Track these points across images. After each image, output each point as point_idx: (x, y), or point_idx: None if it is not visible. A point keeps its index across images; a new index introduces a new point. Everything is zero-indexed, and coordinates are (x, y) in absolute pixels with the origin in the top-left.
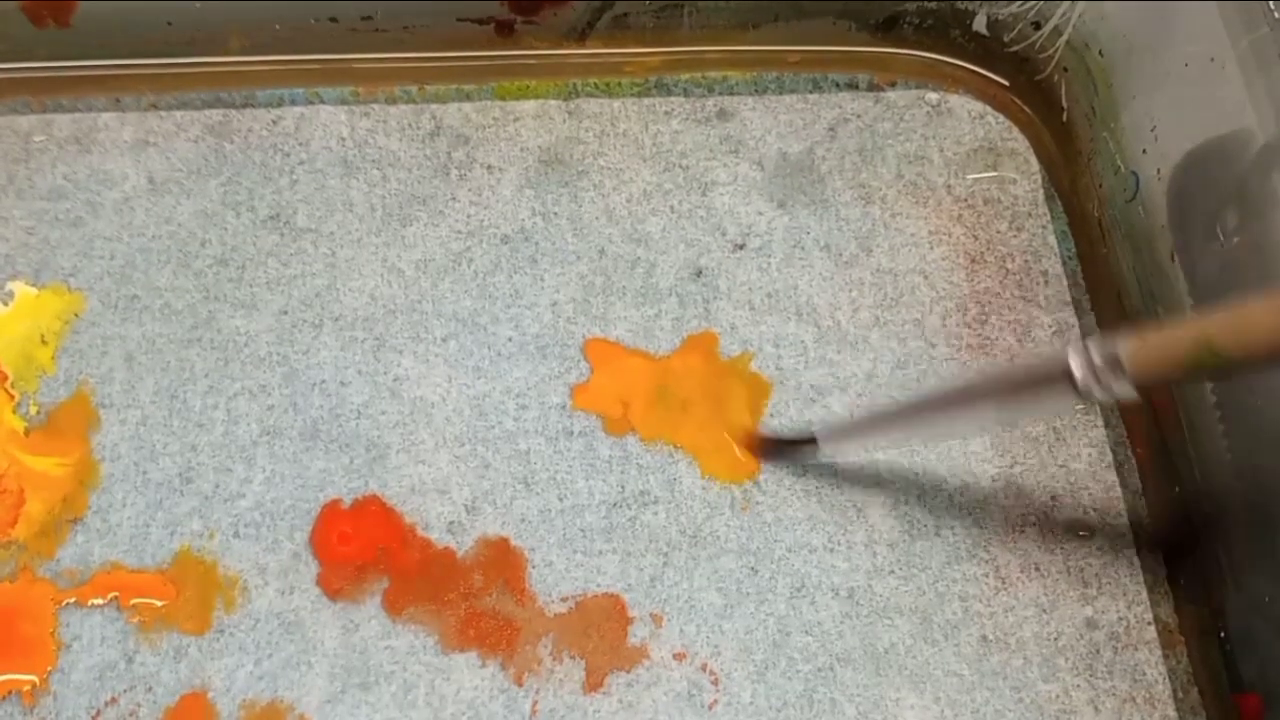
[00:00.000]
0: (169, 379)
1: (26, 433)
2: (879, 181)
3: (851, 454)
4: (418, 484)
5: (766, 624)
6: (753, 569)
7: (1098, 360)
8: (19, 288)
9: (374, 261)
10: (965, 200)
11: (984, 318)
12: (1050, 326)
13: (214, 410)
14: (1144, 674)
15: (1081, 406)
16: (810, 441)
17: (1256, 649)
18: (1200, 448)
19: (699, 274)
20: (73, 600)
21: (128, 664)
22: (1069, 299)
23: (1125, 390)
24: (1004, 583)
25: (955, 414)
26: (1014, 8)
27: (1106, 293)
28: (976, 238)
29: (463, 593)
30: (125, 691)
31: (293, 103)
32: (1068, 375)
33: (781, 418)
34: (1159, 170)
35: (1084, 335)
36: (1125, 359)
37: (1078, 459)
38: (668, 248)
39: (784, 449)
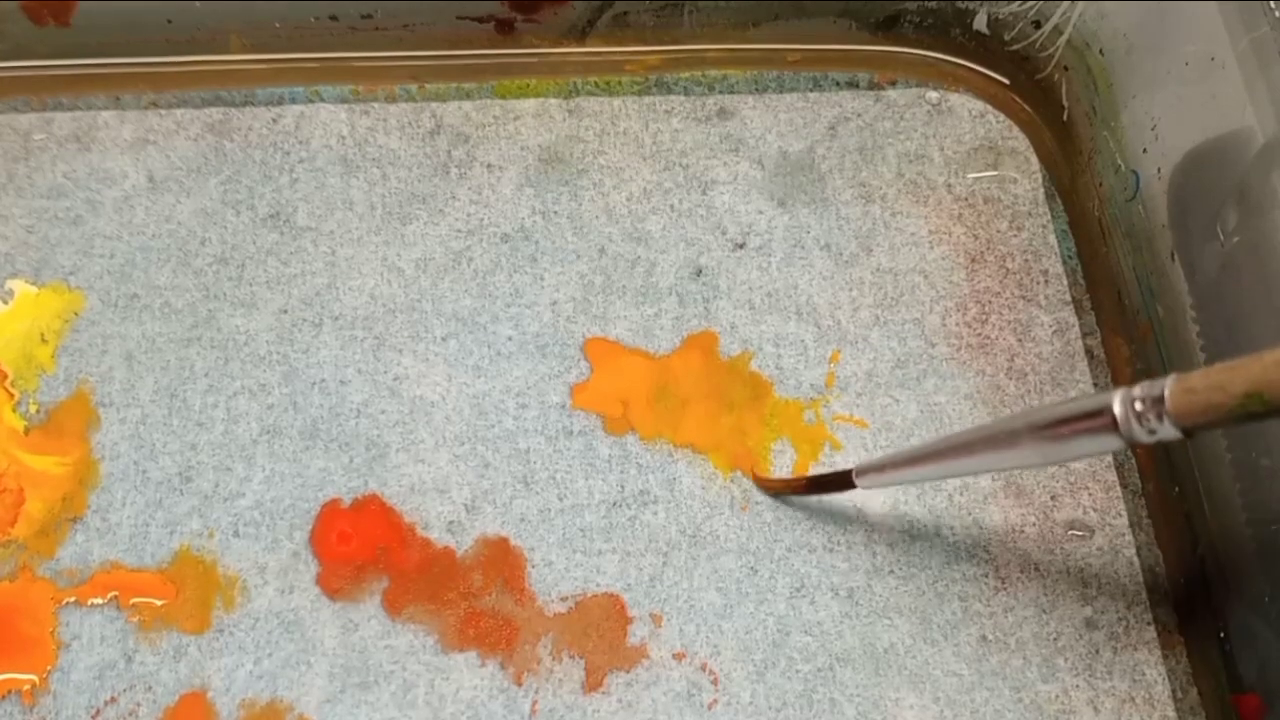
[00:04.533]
0: (169, 378)
1: (26, 431)
2: (879, 180)
3: (886, 488)
4: (417, 483)
5: (766, 624)
6: (752, 569)
7: (1141, 405)
8: (19, 286)
9: (374, 260)
10: (965, 199)
11: (984, 317)
12: (1050, 325)
13: (214, 409)
14: (1143, 674)
15: (1123, 448)
16: (846, 479)
17: (1256, 649)
18: (1200, 447)
19: (699, 273)
20: (72, 599)
21: (127, 663)
22: (1069, 298)
23: (1169, 434)
24: (1003, 583)
25: (995, 454)
26: (1014, 7)
27: (1107, 292)
28: (977, 237)
29: (462, 592)
30: (125, 691)
31: (293, 101)
32: (1111, 418)
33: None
34: (1159, 169)
35: (1129, 380)
36: (1170, 405)
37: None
38: (668, 247)
39: (820, 487)
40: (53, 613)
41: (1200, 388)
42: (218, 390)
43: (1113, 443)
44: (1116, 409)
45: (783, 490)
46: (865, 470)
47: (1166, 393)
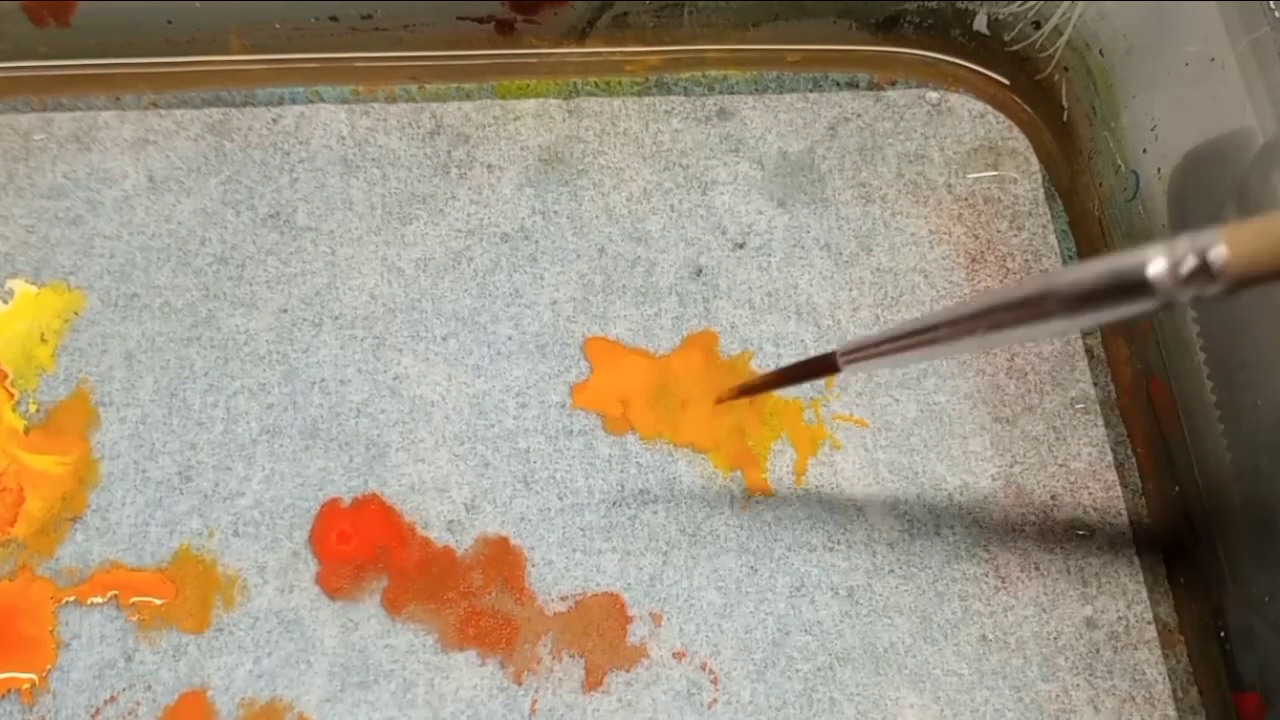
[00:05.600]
0: (169, 377)
1: (26, 431)
2: (879, 180)
3: (877, 371)
4: (417, 483)
5: (766, 623)
6: (752, 568)
7: (1188, 258)
8: (19, 286)
9: (374, 260)
10: (965, 199)
11: None
12: None
13: (213, 409)
14: (1144, 673)
15: (1158, 310)
16: (829, 363)
17: (1256, 649)
18: (1200, 448)
19: (699, 273)
20: (72, 598)
21: (127, 662)
22: None
23: (1216, 291)
24: (1004, 582)
25: (1010, 327)
26: (1014, 7)
27: None
28: (977, 237)
29: (462, 591)
30: (124, 690)
31: (293, 101)
32: (1148, 277)
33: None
34: (1159, 169)
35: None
36: (1220, 254)
37: (1078, 459)
38: (668, 246)
39: (797, 375)
40: (52, 612)
41: (1255, 229)
42: (217, 390)
43: (1148, 305)
44: (1160, 265)
45: (756, 390)
46: (851, 350)
47: (1215, 242)
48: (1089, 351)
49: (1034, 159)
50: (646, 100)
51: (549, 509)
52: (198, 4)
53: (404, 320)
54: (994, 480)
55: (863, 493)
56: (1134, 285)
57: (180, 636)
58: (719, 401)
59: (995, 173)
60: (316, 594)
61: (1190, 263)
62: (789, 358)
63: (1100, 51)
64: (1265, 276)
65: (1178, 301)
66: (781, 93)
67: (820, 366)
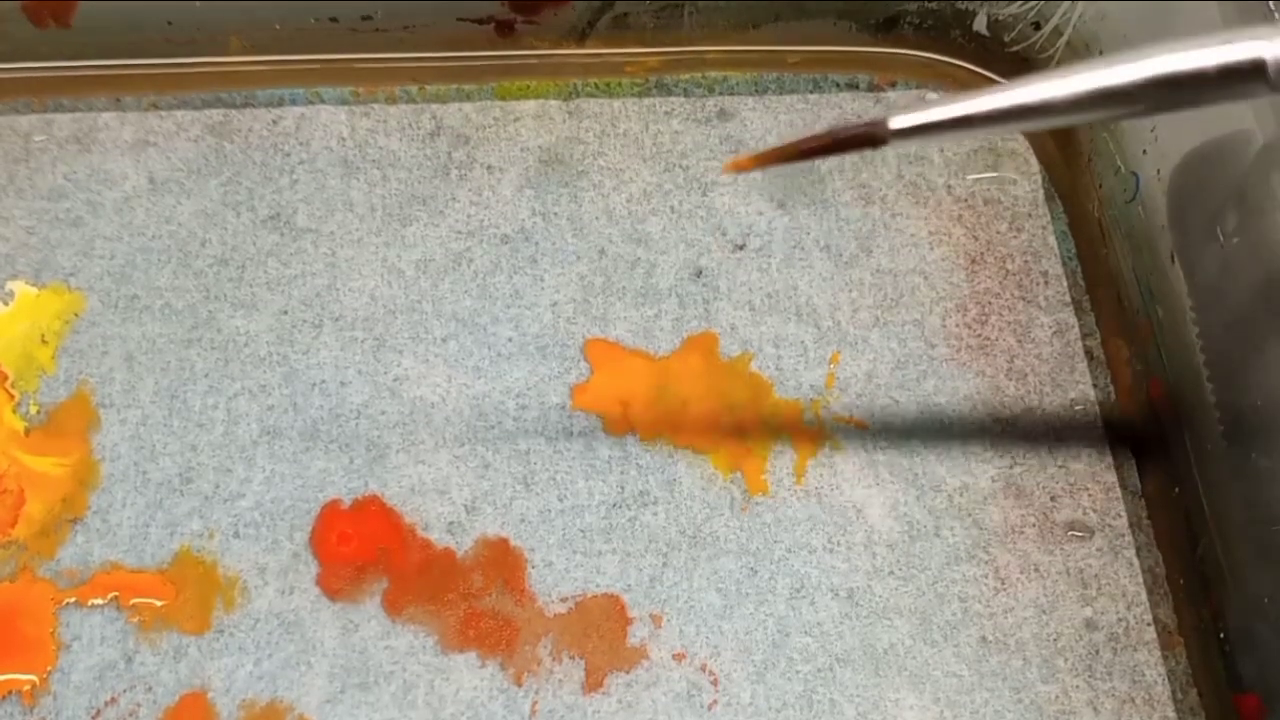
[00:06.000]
0: (169, 379)
1: (27, 432)
2: (879, 182)
3: (929, 146)
4: (417, 484)
5: (766, 624)
6: (752, 569)
7: None
8: (19, 287)
9: (374, 261)
10: (965, 201)
11: (984, 318)
12: (1050, 327)
13: (214, 410)
14: (1143, 675)
15: (1266, 96)
16: (877, 133)
17: (1256, 649)
18: (1200, 448)
19: (699, 274)
20: (72, 600)
21: (127, 664)
22: (1069, 299)
23: None
24: (1003, 583)
25: (1097, 106)
26: (1014, 8)
27: (1106, 293)
28: (976, 238)
29: (462, 593)
30: (125, 691)
31: (293, 103)
32: (1262, 61)
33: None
34: (1159, 171)
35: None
36: None
37: (1078, 459)
38: (668, 248)
39: (834, 145)
40: (53, 613)
41: None
42: (218, 391)
43: (1258, 87)
44: (1273, 49)
45: (780, 159)
46: (905, 118)
47: None
48: (1089, 353)
49: (1034, 160)
50: (646, 101)
51: (549, 510)
52: (198, 5)
53: (404, 322)
54: (994, 481)
55: (862, 494)
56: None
57: (181, 638)
58: (734, 167)
59: (995, 174)
60: (317, 595)
61: None
62: (789, 359)
63: (1100, 52)
64: None
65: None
66: (781, 94)
67: (863, 138)
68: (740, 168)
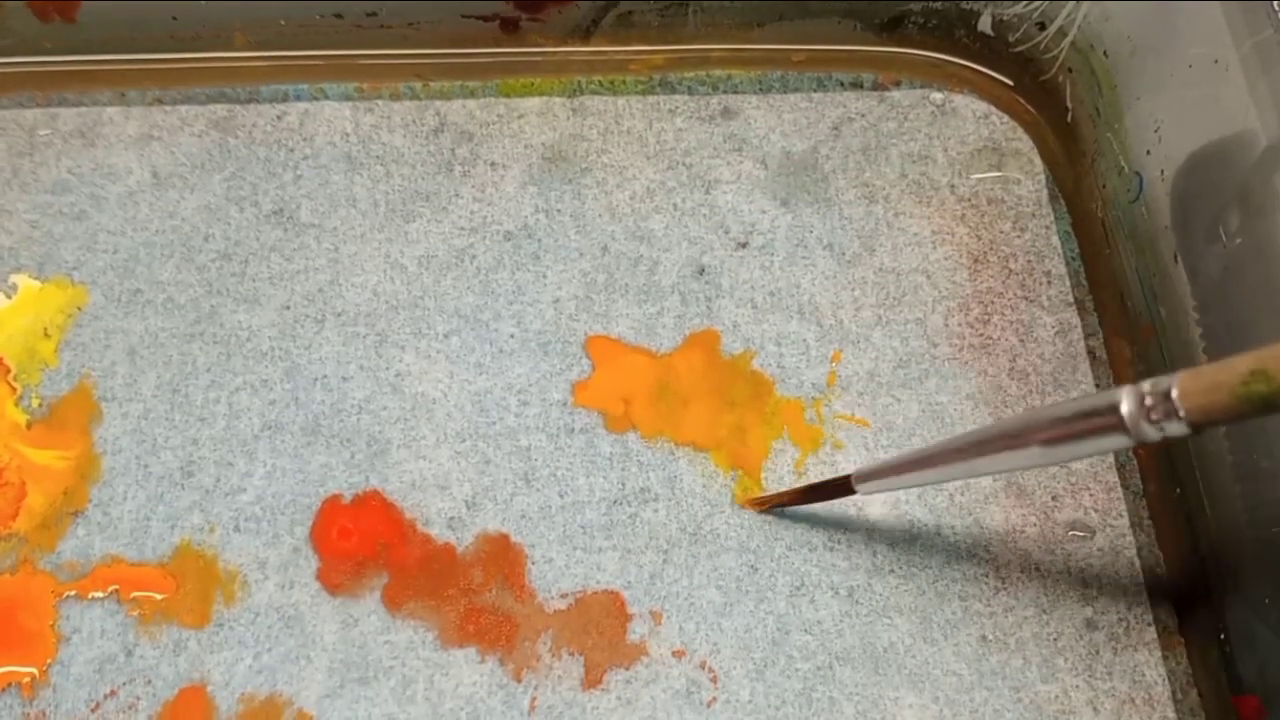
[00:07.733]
0: (171, 373)
1: (28, 425)
2: (882, 181)
3: (886, 492)
4: (418, 480)
5: (766, 622)
6: (752, 567)
7: (1149, 399)
8: (22, 281)
9: (377, 257)
10: (969, 200)
11: (986, 318)
12: (1053, 327)
13: (215, 404)
14: (1143, 675)
15: (1131, 446)
16: (844, 485)
17: (1257, 651)
18: (1202, 448)
19: (701, 272)
20: (73, 593)
21: (127, 657)
22: (1072, 299)
23: (1178, 429)
24: (1004, 583)
25: (998, 456)
26: (1019, 8)
27: (1109, 293)
28: (980, 238)
29: (462, 588)
30: (125, 684)
31: (297, 98)
32: (1118, 415)
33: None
34: (1163, 171)
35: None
36: (1178, 396)
37: (1078, 459)
38: (670, 245)
39: (816, 495)
40: (53, 606)
41: (1206, 372)
42: (220, 385)
43: (1121, 441)
44: (1125, 407)
45: (778, 504)
46: (865, 476)
47: (1175, 384)
48: (1091, 353)
49: (1037, 160)
50: (650, 99)
51: (550, 507)
52: (202, 1)
53: (406, 317)
54: (994, 480)
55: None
56: (1107, 419)
57: (181, 631)
58: (748, 505)
59: (999, 173)
60: (317, 590)
61: (1151, 402)
62: (791, 357)
63: (1104, 53)
64: (1219, 422)
65: (1148, 439)
66: (785, 92)
67: (837, 488)
68: (754, 507)
